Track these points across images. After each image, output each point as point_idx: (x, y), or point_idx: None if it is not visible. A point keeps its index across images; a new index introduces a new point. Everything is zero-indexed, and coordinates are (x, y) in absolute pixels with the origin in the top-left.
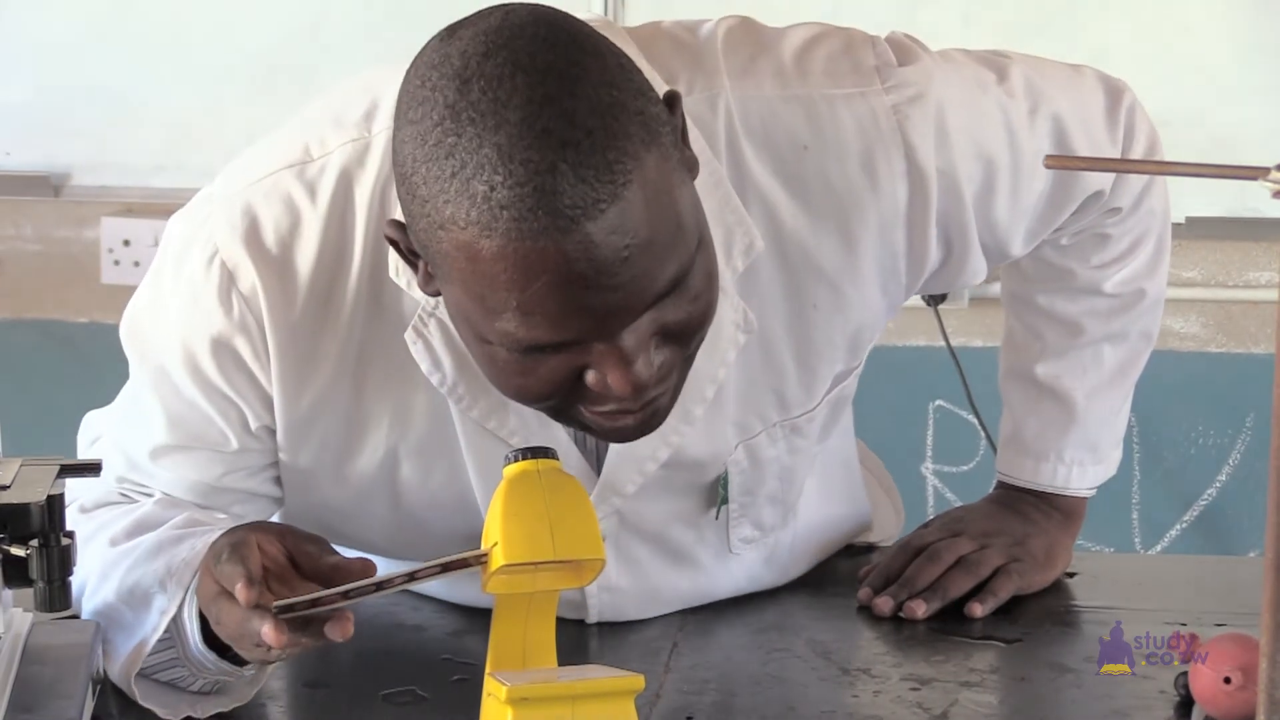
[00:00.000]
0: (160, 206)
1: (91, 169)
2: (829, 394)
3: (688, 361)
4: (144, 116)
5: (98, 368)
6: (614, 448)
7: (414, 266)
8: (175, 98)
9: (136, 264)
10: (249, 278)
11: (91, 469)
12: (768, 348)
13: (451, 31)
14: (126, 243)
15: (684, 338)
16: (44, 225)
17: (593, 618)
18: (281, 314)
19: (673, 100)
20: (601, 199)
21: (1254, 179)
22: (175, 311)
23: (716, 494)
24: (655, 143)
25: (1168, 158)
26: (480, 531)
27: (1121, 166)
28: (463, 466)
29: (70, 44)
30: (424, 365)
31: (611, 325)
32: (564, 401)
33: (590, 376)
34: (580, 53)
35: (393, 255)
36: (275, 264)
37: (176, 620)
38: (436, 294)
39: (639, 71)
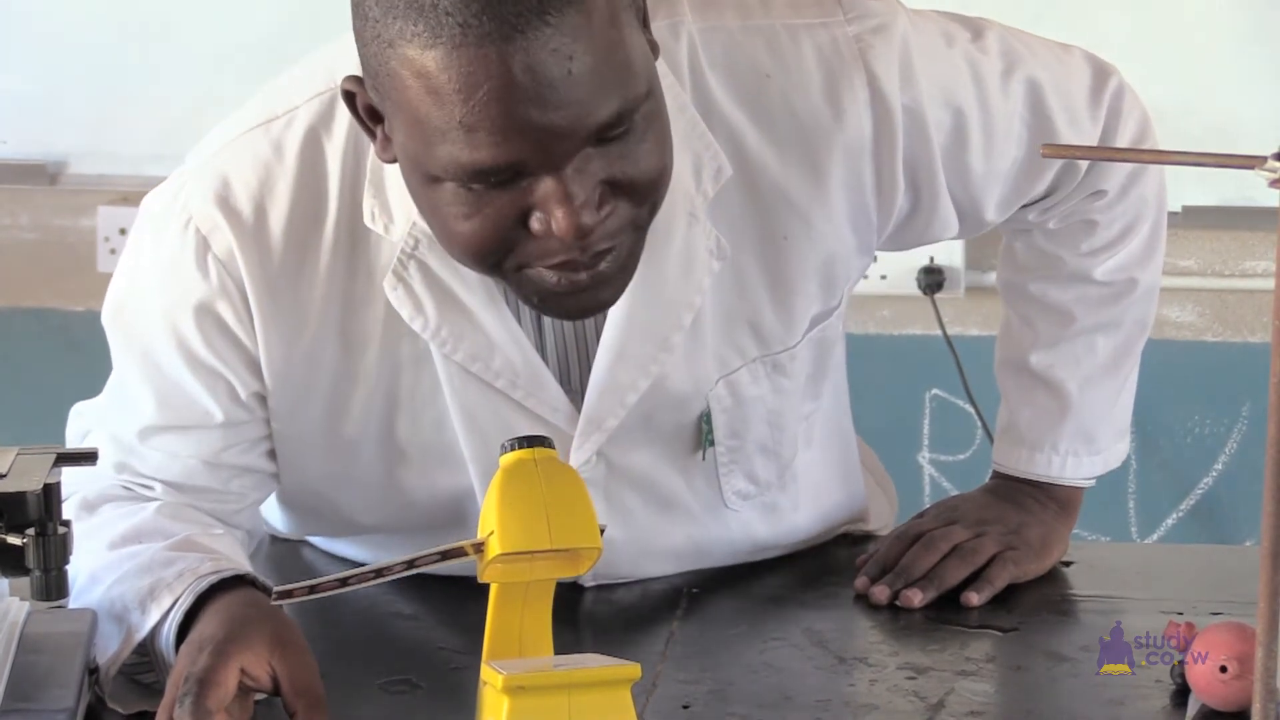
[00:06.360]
0: None
1: (88, 158)
2: (809, 333)
3: (639, 229)
4: (141, 105)
5: (94, 356)
6: (594, 380)
7: (372, 134)
8: (172, 86)
9: None
10: (224, 240)
11: (88, 458)
12: (740, 278)
13: None
14: (123, 231)
15: (634, 195)
16: (40, 214)
17: (588, 579)
18: (259, 272)
19: None
20: (548, 11)
21: (1250, 168)
22: (155, 285)
23: (701, 433)
24: None
25: (1164, 146)
26: (466, 491)
27: (1118, 156)
28: (448, 416)
29: (67, 32)
30: (405, 312)
31: (553, 150)
32: (512, 257)
33: (534, 220)
34: None
35: (367, 200)
36: (249, 223)
37: (152, 640)
38: (393, 160)
39: None
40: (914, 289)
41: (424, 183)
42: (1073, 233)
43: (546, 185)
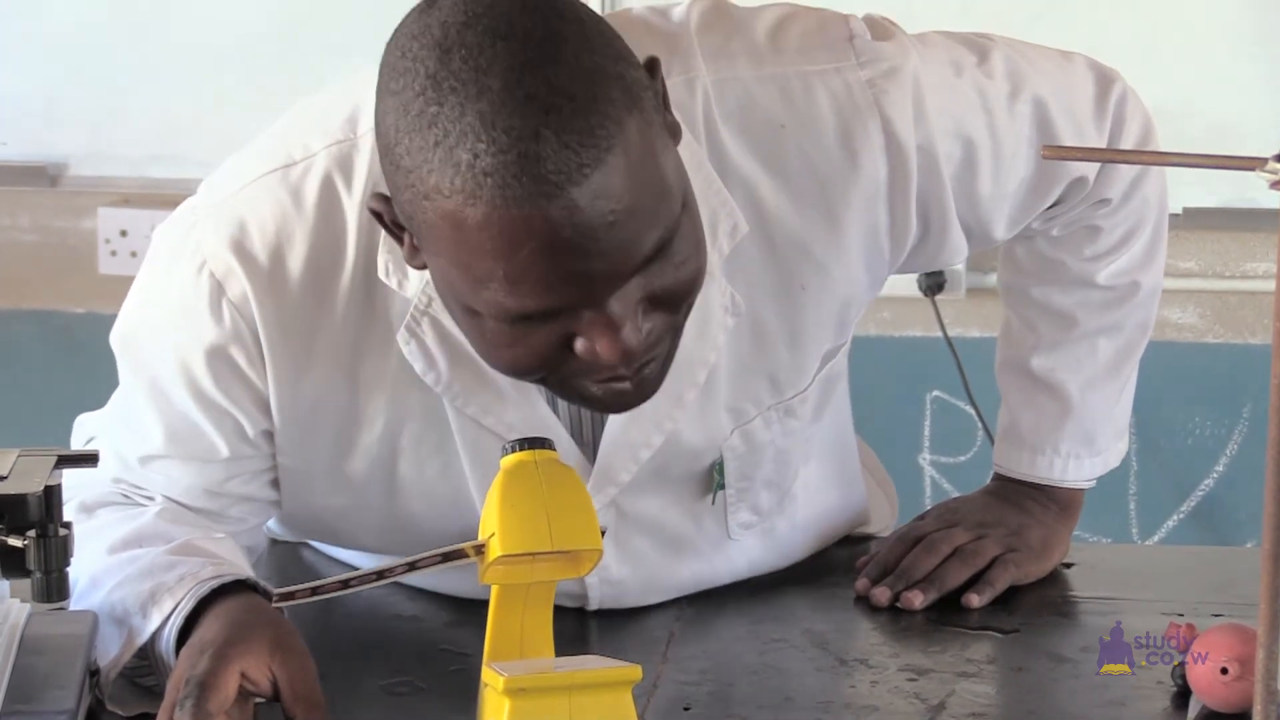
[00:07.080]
0: (157, 197)
1: (88, 159)
2: (819, 373)
3: (677, 330)
4: (141, 107)
5: (95, 358)
6: (607, 436)
7: (399, 240)
8: (172, 88)
9: (134, 254)
10: (239, 285)
11: (89, 460)
12: (759, 331)
13: (431, 2)
14: (124, 233)
15: (672, 304)
16: (41, 216)
17: (593, 606)
18: (273, 318)
19: (653, 66)
20: (586, 164)
21: (1251, 169)
22: (167, 324)
23: (712, 480)
24: (637, 107)
25: (1165, 148)
26: (474, 530)
27: (1119, 157)
28: (458, 463)
29: (67, 34)
30: (418, 366)
31: (599, 291)
32: (556, 373)
33: (579, 345)
34: (559, 19)
35: (382, 255)
36: (264, 269)
37: (152, 643)
38: (423, 267)
39: (618, 37)
40: (915, 290)
41: (464, 312)
42: (1075, 238)
43: (589, 315)
